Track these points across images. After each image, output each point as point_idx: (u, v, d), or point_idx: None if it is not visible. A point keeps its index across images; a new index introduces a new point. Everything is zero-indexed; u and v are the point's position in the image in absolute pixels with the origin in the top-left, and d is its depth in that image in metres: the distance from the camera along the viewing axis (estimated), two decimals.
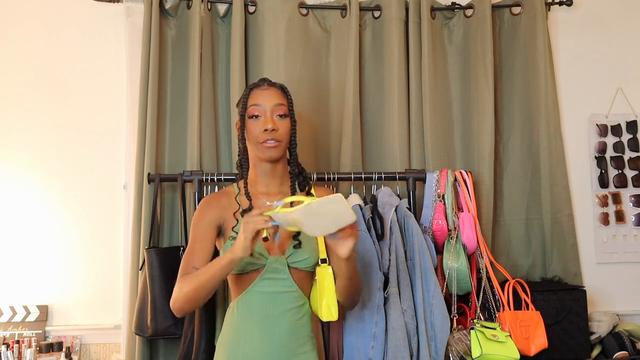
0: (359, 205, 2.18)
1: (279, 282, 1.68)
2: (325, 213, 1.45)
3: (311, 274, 1.75)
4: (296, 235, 1.70)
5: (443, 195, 2.30)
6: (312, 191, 1.83)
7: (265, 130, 1.71)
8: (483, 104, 2.50)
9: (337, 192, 2.01)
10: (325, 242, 1.70)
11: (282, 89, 1.80)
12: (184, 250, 2.20)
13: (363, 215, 2.13)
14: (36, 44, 2.49)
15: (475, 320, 2.15)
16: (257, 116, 1.73)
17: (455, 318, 2.16)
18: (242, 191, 1.78)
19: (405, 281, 2.08)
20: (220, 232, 1.76)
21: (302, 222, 1.46)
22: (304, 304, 1.72)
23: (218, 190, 2.18)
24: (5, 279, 2.39)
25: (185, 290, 1.63)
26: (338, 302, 1.71)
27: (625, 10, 2.77)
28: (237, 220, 1.73)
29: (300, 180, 1.82)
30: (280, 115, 1.74)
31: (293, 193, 1.79)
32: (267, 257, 1.68)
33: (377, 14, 2.52)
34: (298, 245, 1.70)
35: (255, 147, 1.74)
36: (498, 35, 2.61)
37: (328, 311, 1.70)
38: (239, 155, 1.86)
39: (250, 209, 1.71)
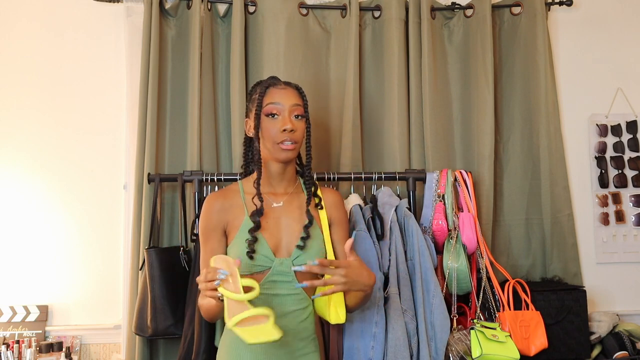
0: (359, 205, 2.17)
1: (284, 285, 1.68)
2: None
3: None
4: (304, 237, 1.70)
5: (443, 195, 2.30)
6: (319, 192, 1.81)
7: (284, 130, 1.68)
8: (483, 104, 2.49)
9: (337, 191, 1.98)
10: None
11: (298, 90, 1.77)
12: (184, 251, 2.21)
13: (363, 216, 2.13)
14: (36, 44, 2.49)
15: (475, 320, 2.15)
16: (274, 115, 1.70)
17: (455, 318, 2.16)
18: (249, 190, 1.75)
19: (405, 281, 2.08)
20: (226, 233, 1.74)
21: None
22: (308, 305, 1.72)
23: (218, 190, 2.17)
24: (5, 279, 2.39)
25: (203, 309, 1.66)
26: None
27: (625, 11, 2.77)
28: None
29: (308, 181, 1.80)
30: (297, 116, 1.72)
31: (309, 197, 1.77)
32: (273, 260, 1.67)
33: (377, 14, 2.52)
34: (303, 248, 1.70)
35: (271, 147, 1.70)
36: (498, 35, 2.61)
37: (336, 315, 1.70)
38: (248, 153, 1.85)
39: (260, 210, 1.69)
